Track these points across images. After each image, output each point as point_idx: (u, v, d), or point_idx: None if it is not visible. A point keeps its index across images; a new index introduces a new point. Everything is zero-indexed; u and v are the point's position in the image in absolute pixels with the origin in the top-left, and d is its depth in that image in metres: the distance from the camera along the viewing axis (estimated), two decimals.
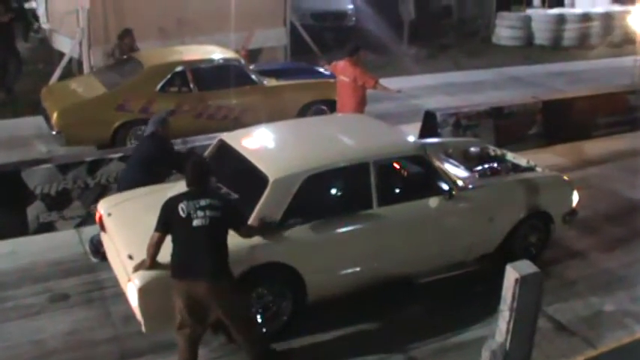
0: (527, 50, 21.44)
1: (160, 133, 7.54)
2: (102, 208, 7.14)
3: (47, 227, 8.54)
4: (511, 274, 5.10)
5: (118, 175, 8.36)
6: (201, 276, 5.50)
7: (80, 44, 14.28)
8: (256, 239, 6.12)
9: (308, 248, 6.43)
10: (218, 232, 5.60)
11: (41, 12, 17.54)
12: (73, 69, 15.08)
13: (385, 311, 7.04)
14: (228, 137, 7.35)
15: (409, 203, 6.98)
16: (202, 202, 5.53)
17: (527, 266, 5.20)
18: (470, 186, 7.36)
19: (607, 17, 22.98)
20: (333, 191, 6.89)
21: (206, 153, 7.38)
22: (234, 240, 5.82)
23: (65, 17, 15.21)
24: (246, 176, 6.69)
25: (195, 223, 5.47)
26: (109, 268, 7.28)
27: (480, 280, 7.42)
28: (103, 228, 7.05)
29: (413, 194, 7.04)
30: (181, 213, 5.50)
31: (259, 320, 6.39)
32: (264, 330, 6.38)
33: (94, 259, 7.80)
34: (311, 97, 11.91)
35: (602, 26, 22.85)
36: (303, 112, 11.74)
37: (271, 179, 6.30)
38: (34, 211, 8.44)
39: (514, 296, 5.08)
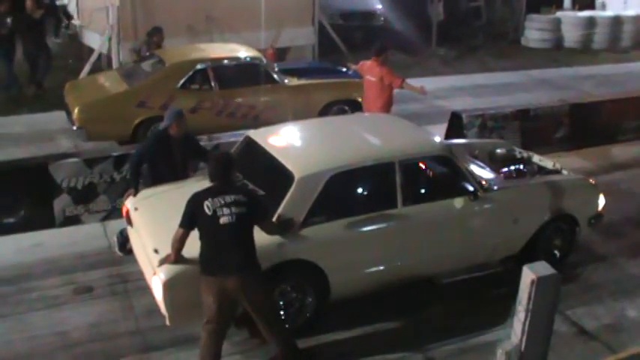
0: (557, 53, 21.25)
1: (172, 131, 7.38)
2: (129, 202, 7.21)
3: (73, 220, 8.65)
4: (527, 275, 5.07)
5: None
6: (232, 271, 5.54)
7: (109, 40, 14.43)
8: (281, 236, 6.15)
9: (332, 246, 6.45)
10: (245, 228, 5.64)
11: (72, 8, 17.77)
12: (103, 65, 15.23)
13: (406, 311, 7.03)
14: (255, 134, 7.40)
15: (434, 203, 6.98)
16: (228, 199, 5.56)
17: (543, 267, 5.16)
18: (495, 187, 7.32)
19: (638, 20, 22.69)
20: (358, 190, 6.90)
21: (233, 149, 7.42)
22: (259, 237, 5.86)
23: (95, 13, 15.41)
24: (272, 173, 6.73)
25: (222, 220, 5.50)
26: (132, 261, 7.36)
27: (502, 282, 7.38)
28: (129, 222, 7.12)
29: (438, 194, 7.04)
30: (207, 210, 5.53)
31: (283, 316, 6.41)
32: (287, 326, 6.39)
33: (118, 253, 7.87)
34: (332, 97, 11.87)
35: (633, 29, 22.57)
36: (325, 111, 11.70)
37: (297, 177, 6.33)
38: (61, 204, 8.55)
39: (530, 297, 5.04)
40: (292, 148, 7.10)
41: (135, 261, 7.23)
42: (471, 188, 7.04)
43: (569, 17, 22.36)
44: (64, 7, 18.82)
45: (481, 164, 7.99)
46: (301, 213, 6.28)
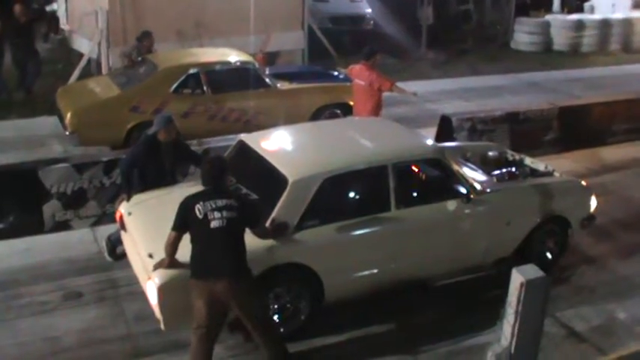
0: (546, 56, 21.33)
1: (161, 137, 7.36)
2: (122, 207, 7.19)
3: (63, 226, 8.58)
4: (517, 278, 5.08)
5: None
6: (222, 275, 5.52)
7: (99, 45, 14.42)
8: (275, 240, 6.15)
9: (326, 249, 6.46)
10: (236, 232, 5.62)
11: (61, 13, 17.73)
12: (92, 70, 15.18)
13: (397, 314, 7.02)
14: (247, 138, 7.39)
15: (427, 206, 6.98)
16: (219, 203, 5.55)
17: (533, 270, 5.18)
18: (488, 190, 7.33)
19: (627, 23, 22.85)
20: (352, 193, 6.89)
21: (226, 153, 7.38)
22: (253, 240, 5.88)
23: (84, 18, 15.37)
24: (265, 177, 6.71)
25: (213, 224, 5.49)
26: (122, 267, 7.38)
27: (495, 284, 7.38)
28: (123, 227, 7.08)
29: (431, 197, 7.04)
30: (198, 214, 5.53)
31: (277, 320, 6.42)
32: (281, 330, 6.41)
33: (108, 258, 7.83)
34: (324, 101, 11.88)
35: (621, 32, 22.71)
36: (317, 115, 11.72)
37: (290, 180, 6.33)
38: (50, 209, 8.49)
39: (519, 300, 5.06)
40: (286, 152, 7.10)
41: (124, 266, 7.24)
42: (463, 191, 7.05)
43: (558, 20, 22.48)
44: (53, 13, 18.80)
45: (474, 167, 8.00)
46: (295, 216, 6.27)
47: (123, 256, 7.54)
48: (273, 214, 6.19)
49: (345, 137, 7.50)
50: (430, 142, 7.72)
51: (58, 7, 18.23)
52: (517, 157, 8.72)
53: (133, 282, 6.89)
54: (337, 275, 6.51)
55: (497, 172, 8.03)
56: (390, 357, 6.43)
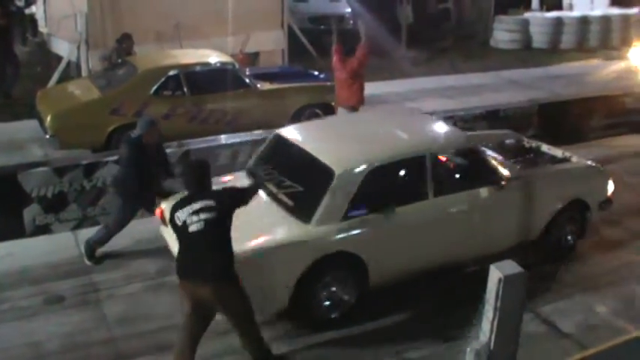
0: (525, 53, 21.45)
1: (145, 139, 7.42)
2: (164, 203, 7.24)
3: (43, 230, 8.54)
4: (494, 274, 5.11)
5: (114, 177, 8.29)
6: (205, 279, 5.51)
7: (78, 48, 14.35)
8: (324, 231, 6.39)
9: (371, 237, 6.65)
10: (216, 233, 5.57)
11: (40, 16, 17.63)
12: (72, 72, 15.11)
13: (380, 313, 7.03)
14: (285, 132, 7.60)
15: (463, 193, 7.21)
16: (195, 206, 5.54)
17: (511, 266, 5.21)
18: (516, 176, 7.55)
19: (605, 20, 23.00)
20: (393, 183, 7.09)
21: (262, 147, 7.62)
22: (305, 232, 6.33)
23: (63, 21, 15.28)
24: (308, 170, 6.89)
25: (191, 229, 5.49)
26: (103, 270, 7.38)
27: (473, 281, 7.40)
28: (164, 222, 7.09)
29: (466, 185, 7.28)
30: (177, 221, 5.57)
31: (327, 306, 6.65)
32: (332, 316, 6.69)
33: (88, 262, 7.80)
34: (305, 101, 11.89)
35: (600, 29, 22.87)
36: (297, 115, 11.71)
37: (337, 172, 6.53)
38: (31, 213, 8.44)
39: (497, 296, 5.09)
40: (327, 145, 7.27)
41: (105, 270, 7.28)
42: (496, 178, 7.32)
43: (537, 18, 22.65)
44: (31, 15, 18.69)
45: (496, 155, 8.14)
46: (342, 207, 6.50)
47: (102, 259, 7.62)
48: (321, 207, 6.42)
49: (382, 129, 7.77)
50: (463, 132, 7.97)
51: (37, 9, 18.12)
52: (534, 144, 8.98)
53: (115, 285, 6.89)
54: (381, 261, 6.72)
55: (519, 159, 8.29)
56: (374, 356, 6.44)
